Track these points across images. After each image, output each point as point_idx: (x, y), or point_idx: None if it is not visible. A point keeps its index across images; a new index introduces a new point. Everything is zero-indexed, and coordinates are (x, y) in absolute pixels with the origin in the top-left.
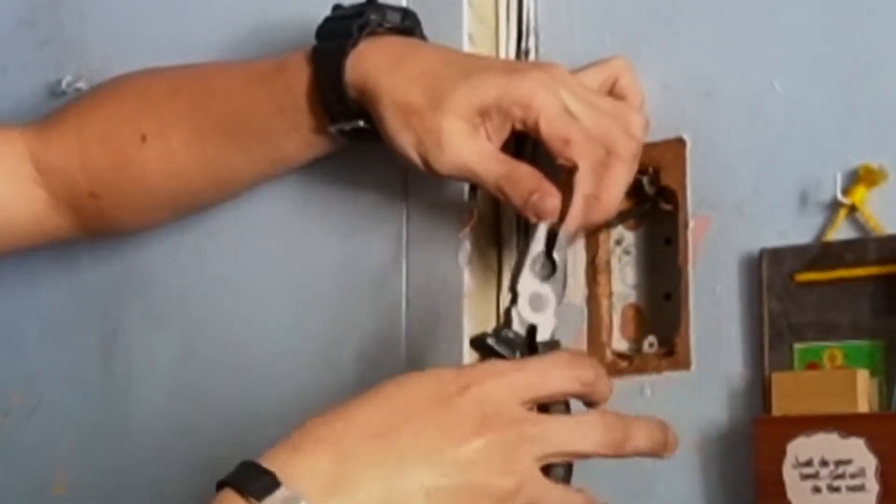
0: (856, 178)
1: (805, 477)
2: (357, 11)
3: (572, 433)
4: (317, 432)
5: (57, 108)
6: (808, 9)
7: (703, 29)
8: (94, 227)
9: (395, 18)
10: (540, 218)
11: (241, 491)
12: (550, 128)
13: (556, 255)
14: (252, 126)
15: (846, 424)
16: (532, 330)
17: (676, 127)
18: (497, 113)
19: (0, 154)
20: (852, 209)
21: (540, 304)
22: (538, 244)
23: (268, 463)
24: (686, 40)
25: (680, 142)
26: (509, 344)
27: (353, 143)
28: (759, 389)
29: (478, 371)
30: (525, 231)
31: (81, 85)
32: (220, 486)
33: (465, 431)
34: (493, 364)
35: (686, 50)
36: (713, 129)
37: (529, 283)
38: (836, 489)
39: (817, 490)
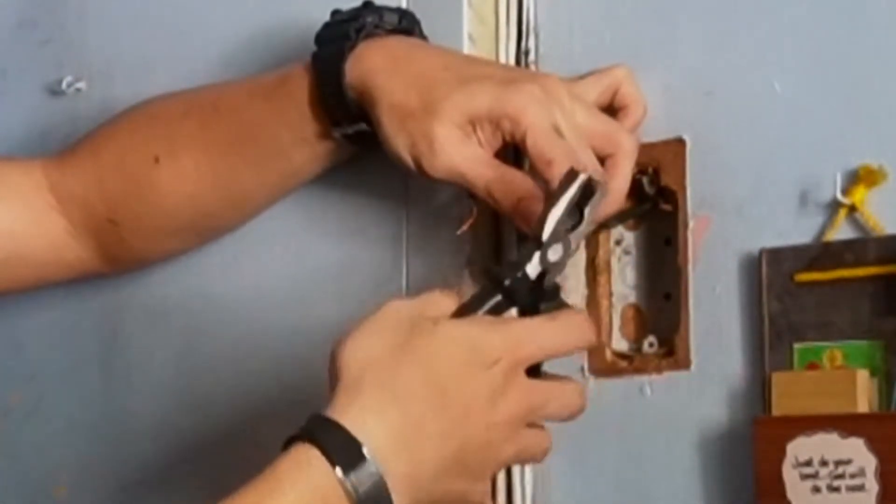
0: (856, 178)
1: (805, 477)
2: (354, 15)
3: (562, 400)
4: (376, 383)
5: (74, 141)
6: (808, 9)
7: (703, 29)
8: (115, 256)
9: (392, 20)
10: (527, 225)
11: (320, 447)
12: (535, 146)
13: (587, 210)
14: (259, 140)
15: (846, 424)
16: (543, 275)
17: (676, 127)
18: (488, 123)
19: (18, 183)
20: (852, 209)
21: (556, 253)
22: (570, 195)
23: (339, 416)
24: (686, 40)
25: (680, 142)
26: (520, 286)
27: (359, 147)
28: (758, 389)
29: (505, 342)
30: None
31: (81, 85)
32: (292, 441)
33: (505, 401)
34: (514, 333)
35: (686, 50)
36: (713, 129)
37: (556, 230)
38: (836, 489)
39: (817, 490)
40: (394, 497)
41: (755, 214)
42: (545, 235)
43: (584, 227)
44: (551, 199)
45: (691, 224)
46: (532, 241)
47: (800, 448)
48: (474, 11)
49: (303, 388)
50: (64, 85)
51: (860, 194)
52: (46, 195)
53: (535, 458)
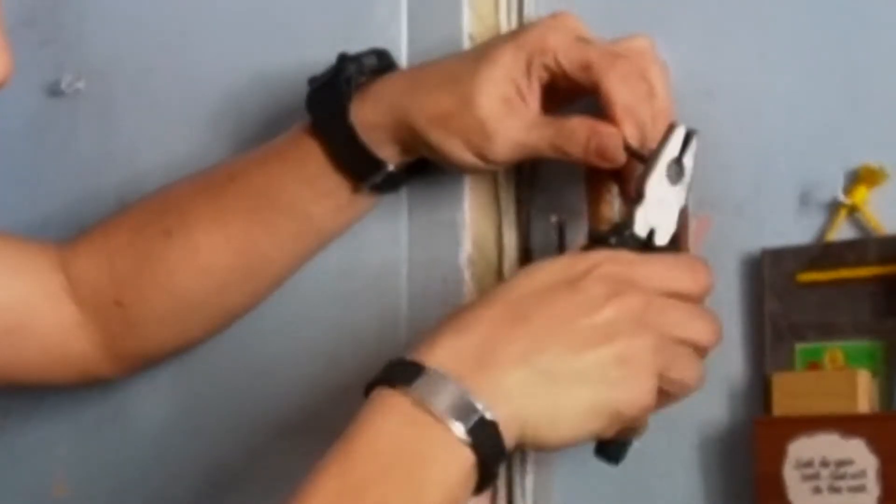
0: (856, 178)
1: (806, 477)
2: (336, 71)
3: (689, 317)
4: (453, 324)
5: (89, 226)
6: (808, 9)
7: (703, 29)
8: (119, 349)
9: (371, 62)
10: (606, 161)
11: (392, 384)
12: (568, 59)
13: (685, 161)
14: (276, 201)
15: (847, 425)
16: (652, 233)
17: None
18: (521, 73)
19: (35, 259)
20: (853, 209)
21: (664, 208)
22: (673, 148)
23: (411, 356)
24: (686, 40)
25: None
26: (627, 245)
27: (385, 192)
28: (759, 389)
29: (602, 255)
30: (527, 217)
31: (81, 85)
32: (370, 388)
33: (597, 303)
34: (617, 252)
35: (686, 50)
36: (713, 129)
37: (659, 185)
38: (837, 490)
39: (818, 491)
40: (484, 403)
41: (756, 214)
42: (647, 192)
43: (689, 179)
44: (651, 155)
45: (691, 224)
46: (635, 200)
47: (801, 449)
48: (474, 11)
49: (302, 388)
50: (64, 85)
51: (861, 194)
52: (59, 275)
53: (687, 377)
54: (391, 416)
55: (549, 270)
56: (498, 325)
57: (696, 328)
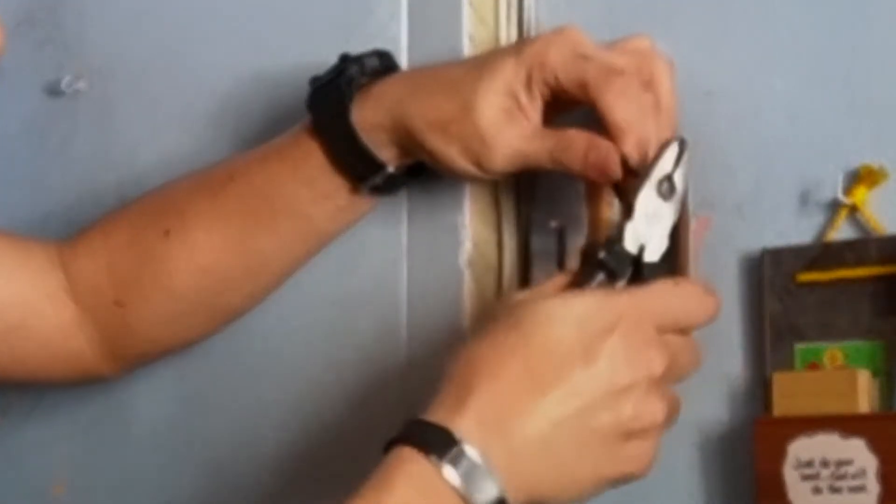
0: (856, 178)
1: (806, 477)
2: (337, 71)
3: (691, 360)
4: (474, 384)
5: (87, 224)
6: (809, 9)
7: (703, 29)
8: (118, 349)
9: (373, 63)
10: (604, 176)
11: (423, 449)
12: (566, 76)
13: (676, 177)
14: (275, 201)
15: (847, 425)
16: (642, 249)
17: (676, 127)
18: (522, 86)
19: (36, 257)
20: (853, 209)
21: (655, 223)
22: (666, 164)
23: (437, 419)
24: (686, 40)
25: None
26: (620, 260)
27: (385, 194)
28: (759, 389)
29: (621, 307)
30: (527, 220)
31: (81, 85)
32: (391, 444)
33: (613, 377)
34: (636, 297)
35: (686, 50)
36: (713, 129)
37: (649, 201)
38: (837, 490)
39: (818, 491)
40: (500, 478)
41: (756, 214)
42: (636, 207)
43: (680, 195)
44: (643, 171)
45: (691, 224)
46: (625, 215)
47: (801, 448)
48: (474, 11)
49: (302, 388)
50: (63, 85)
51: (861, 194)
52: (59, 274)
53: (670, 419)
54: (418, 484)
55: (567, 325)
56: (516, 391)
57: (688, 364)
